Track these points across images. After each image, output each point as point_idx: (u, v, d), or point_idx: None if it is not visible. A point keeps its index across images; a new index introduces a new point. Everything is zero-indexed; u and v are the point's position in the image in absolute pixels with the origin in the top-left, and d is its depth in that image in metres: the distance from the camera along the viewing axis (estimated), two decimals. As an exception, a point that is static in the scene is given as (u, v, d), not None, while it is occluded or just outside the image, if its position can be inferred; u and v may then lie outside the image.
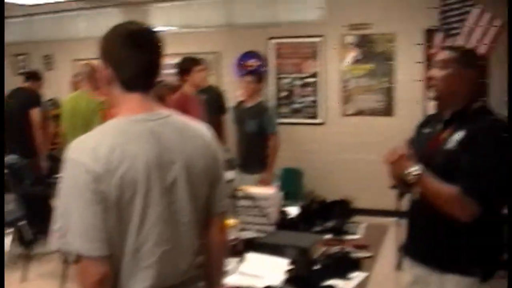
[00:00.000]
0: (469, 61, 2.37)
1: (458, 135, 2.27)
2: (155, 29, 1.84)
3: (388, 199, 5.63)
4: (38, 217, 5.26)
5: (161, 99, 4.94)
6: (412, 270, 2.53)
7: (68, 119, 5.67)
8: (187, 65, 5.16)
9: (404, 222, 5.08)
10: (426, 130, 2.52)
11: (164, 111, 1.84)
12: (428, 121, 2.59)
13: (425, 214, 2.41)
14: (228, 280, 2.78)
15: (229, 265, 2.87)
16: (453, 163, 2.22)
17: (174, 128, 1.82)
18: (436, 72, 2.38)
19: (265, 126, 5.63)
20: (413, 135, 2.64)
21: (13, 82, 9.64)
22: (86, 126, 5.35)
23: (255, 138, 5.62)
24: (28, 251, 5.53)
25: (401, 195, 5.06)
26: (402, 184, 2.45)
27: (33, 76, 7.09)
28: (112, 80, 1.79)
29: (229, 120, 6.32)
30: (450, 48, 2.59)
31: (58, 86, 9.23)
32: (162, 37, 1.83)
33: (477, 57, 2.76)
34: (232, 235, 3.08)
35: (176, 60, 7.93)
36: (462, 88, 2.33)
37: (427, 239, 2.41)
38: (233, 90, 7.70)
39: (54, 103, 9.22)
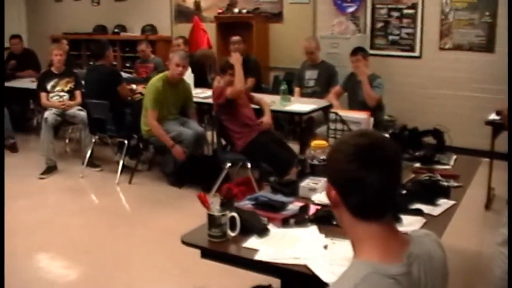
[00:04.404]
0: None
1: None
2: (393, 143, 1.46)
3: (481, 138, 5.51)
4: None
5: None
6: (502, 230, 2.49)
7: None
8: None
9: (496, 162, 5.00)
10: None
11: (410, 246, 1.44)
12: None
13: None
14: (315, 197, 2.86)
15: (318, 184, 2.95)
16: None
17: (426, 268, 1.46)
18: None
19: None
20: None
21: (113, 6, 9.99)
22: None
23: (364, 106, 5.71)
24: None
25: (495, 133, 4.97)
26: None
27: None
28: (339, 204, 1.45)
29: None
30: None
31: (155, 13, 9.44)
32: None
33: None
34: (323, 156, 3.13)
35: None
36: None
37: None
38: (329, 19, 7.66)
39: (152, 30, 9.48)
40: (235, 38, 7.21)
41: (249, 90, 6.28)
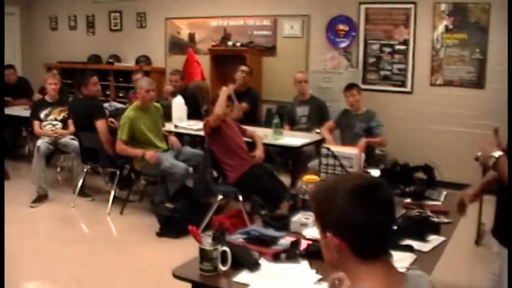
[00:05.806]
0: None
1: None
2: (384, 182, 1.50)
3: (471, 173, 5.53)
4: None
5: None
6: (496, 246, 2.55)
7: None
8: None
9: (486, 198, 5.03)
10: None
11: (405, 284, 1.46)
12: None
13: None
14: (307, 232, 2.88)
15: (309, 219, 2.96)
16: None
17: None
18: None
19: (374, 129, 6.01)
20: None
21: (108, 37, 10.06)
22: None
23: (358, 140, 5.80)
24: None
25: (485, 170, 5.00)
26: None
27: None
28: (343, 250, 1.42)
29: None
30: None
31: (150, 44, 9.52)
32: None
33: None
34: (314, 191, 3.15)
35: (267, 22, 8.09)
36: None
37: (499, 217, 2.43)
38: (322, 54, 7.75)
39: (146, 61, 9.54)
40: (243, 67, 7.35)
41: (242, 110, 6.32)
